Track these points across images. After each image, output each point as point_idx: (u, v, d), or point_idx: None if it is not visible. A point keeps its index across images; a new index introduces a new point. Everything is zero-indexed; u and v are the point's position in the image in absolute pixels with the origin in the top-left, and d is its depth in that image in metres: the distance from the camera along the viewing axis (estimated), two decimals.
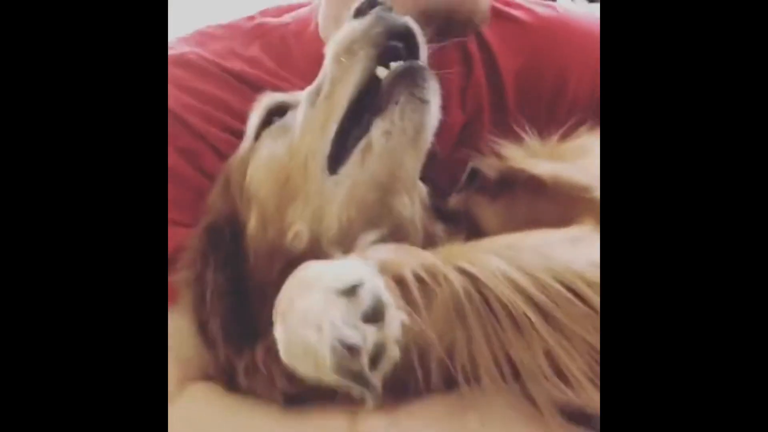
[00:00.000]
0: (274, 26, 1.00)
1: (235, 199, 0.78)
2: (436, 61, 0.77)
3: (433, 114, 0.72)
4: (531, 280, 0.57)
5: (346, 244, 0.68)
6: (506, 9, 1.01)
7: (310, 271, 0.58)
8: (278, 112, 0.80)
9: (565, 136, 0.83)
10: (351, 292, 0.54)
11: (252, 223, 0.75)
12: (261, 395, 0.66)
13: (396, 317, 0.54)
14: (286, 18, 1.02)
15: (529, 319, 0.56)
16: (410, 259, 0.60)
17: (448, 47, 0.89)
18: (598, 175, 0.69)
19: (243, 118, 0.84)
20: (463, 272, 0.58)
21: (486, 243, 0.64)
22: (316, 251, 0.69)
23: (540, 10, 1.01)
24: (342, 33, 0.75)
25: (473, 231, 0.77)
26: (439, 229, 0.79)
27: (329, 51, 0.76)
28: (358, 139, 0.71)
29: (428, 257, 0.61)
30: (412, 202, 0.73)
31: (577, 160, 0.77)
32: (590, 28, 1.01)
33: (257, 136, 0.80)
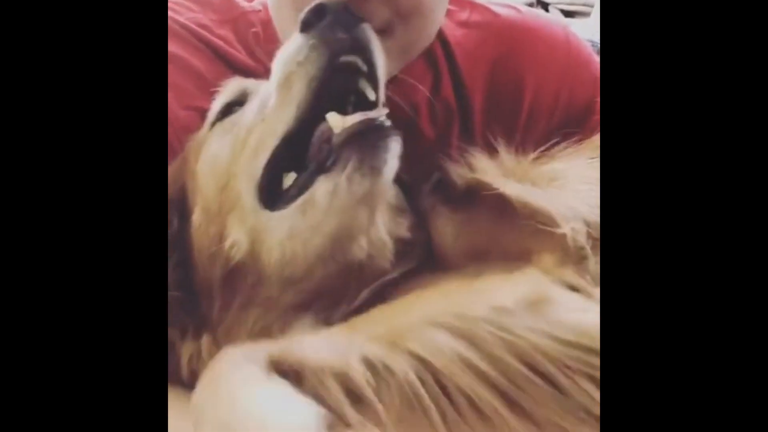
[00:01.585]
0: (245, 11, 0.93)
1: (187, 182, 0.75)
2: (404, 72, 0.74)
3: (387, 176, 0.67)
4: (490, 363, 0.52)
5: (288, 276, 0.65)
6: (469, 16, 0.96)
7: (240, 409, 0.49)
8: (239, 101, 0.76)
9: (540, 156, 0.79)
10: None
11: (196, 215, 0.72)
12: None
13: None
14: (257, 4, 0.95)
15: (496, 409, 0.51)
16: (352, 355, 0.52)
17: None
18: (569, 206, 0.68)
19: (211, 97, 0.80)
20: (416, 357, 0.52)
21: (430, 309, 0.57)
22: (255, 267, 0.66)
23: (503, 12, 0.97)
24: (282, 57, 0.70)
25: (426, 244, 0.74)
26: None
27: (273, 69, 0.71)
28: (300, 189, 0.66)
29: (372, 347, 0.53)
30: (371, 239, 0.69)
31: (551, 183, 0.74)
32: (553, 32, 0.97)
33: (213, 124, 0.76)
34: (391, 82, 0.78)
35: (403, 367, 0.51)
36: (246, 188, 0.68)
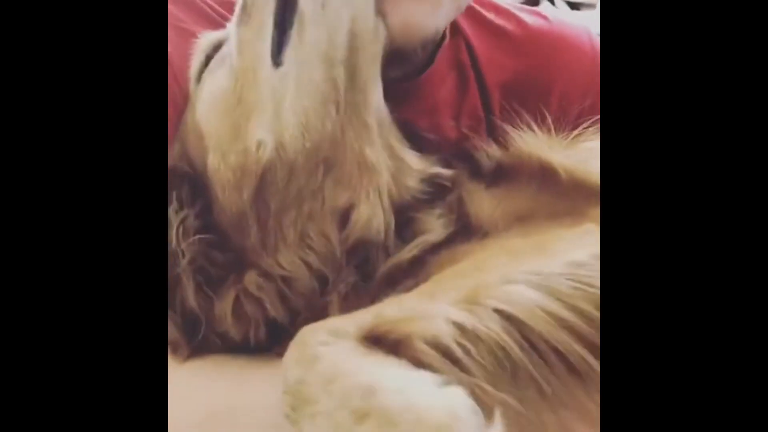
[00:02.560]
0: None
1: (189, 147, 0.74)
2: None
3: None
4: (574, 313, 0.52)
5: (309, 147, 0.67)
6: (495, 20, 0.94)
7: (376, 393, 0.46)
8: (214, 51, 0.75)
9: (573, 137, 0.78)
10: None
11: (210, 160, 0.71)
12: (239, 337, 0.66)
13: None
14: None
15: (583, 358, 0.51)
16: (439, 319, 0.51)
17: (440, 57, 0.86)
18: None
19: None
20: (500, 313, 0.51)
21: (504, 268, 0.56)
22: (283, 159, 0.67)
23: (530, 20, 0.95)
24: None
25: (463, 219, 0.72)
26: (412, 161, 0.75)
27: None
28: (293, 21, 0.68)
29: (456, 309, 0.52)
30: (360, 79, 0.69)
31: (588, 161, 0.72)
32: (580, 40, 0.96)
33: (199, 79, 0.76)
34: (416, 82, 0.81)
35: (491, 325, 0.50)
36: (262, 68, 0.69)
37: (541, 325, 0.50)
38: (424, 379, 0.47)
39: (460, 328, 0.50)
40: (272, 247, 0.69)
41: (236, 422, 0.61)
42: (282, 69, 0.69)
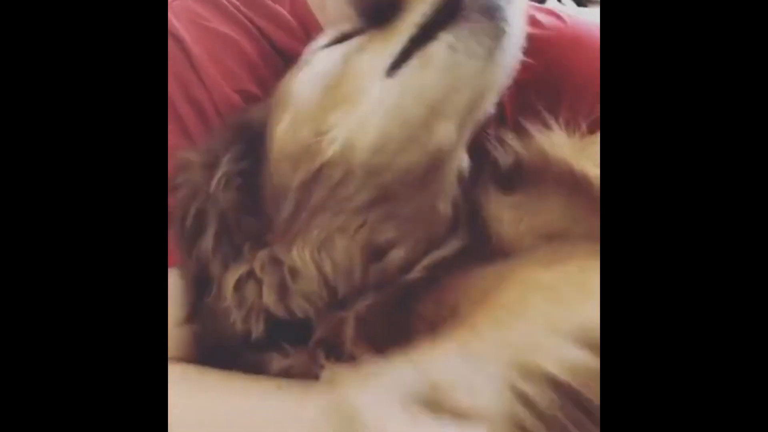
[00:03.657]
0: None
1: (270, 106, 0.72)
2: None
3: (508, 51, 0.63)
4: None
5: (375, 165, 0.63)
6: None
7: None
8: (343, 39, 0.71)
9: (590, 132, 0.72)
10: None
11: (283, 125, 0.69)
12: (240, 323, 0.65)
13: None
14: None
15: None
16: (497, 385, 0.46)
17: None
18: None
19: (260, 80, 0.79)
20: (553, 381, 0.47)
21: (545, 316, 0.51)
22: (345, 162, 0.64)
23: (546, 20, 0.91)
24: None
25: (479, 231, 0.67)
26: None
27: None
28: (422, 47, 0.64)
29: (511, 373, 0.47)
30: (457, 136, 0.65)
31: None
32: (592, 38, 0.91)
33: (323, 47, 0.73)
34: None
35: (547, 395, 0.46)
36: (374, 68, 0.65)
37: (595, 391, 0.45)
38: None
39: (521, 397, 0.45)
40: (292, 236, 0.66)
41: None
42: (390, 82, 0.64)
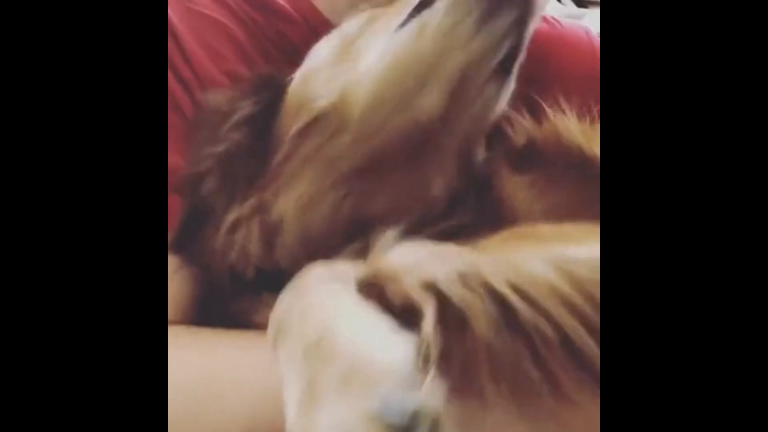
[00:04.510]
0: None
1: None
2: None
3: (504, 19, 0.61)
4: (587, 302, 0.46)
5: (366, 124, 0.63)
6: None
7: (340, 343, 0.44)
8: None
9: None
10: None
11: (296, 79, 0.71)
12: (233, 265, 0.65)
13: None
14: None
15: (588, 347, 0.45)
16: (448, 270, 0.47)
17: None
18: None
19: (250, 63, 0.80)
20: (512, 285, 0.46)
21: (525, 249, 0.51)
22: (338, 116, 0.65)
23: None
24: None
25: (489, 206, 0.66)
26: None
27: None
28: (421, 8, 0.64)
29: (469, 266, 0.48)
30: (446, 105, 0.63)
31: None
32: (581, 40, 0.95)
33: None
34: None
35: (497, 286, 0.46)
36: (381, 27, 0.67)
37: (548, 302, 0.45)
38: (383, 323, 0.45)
39: (463, 278, 0.46)
40: (280, 185, 0.67)
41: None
42: (389, 44, 0.65)
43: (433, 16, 0.62)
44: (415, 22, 0.63)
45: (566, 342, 0.45)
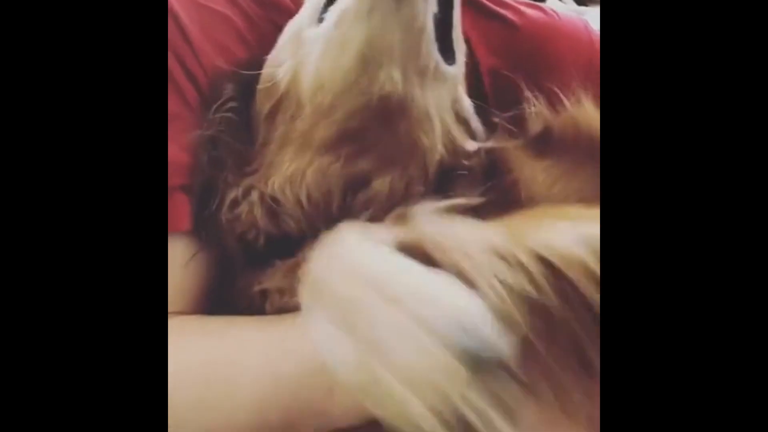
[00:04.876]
0: None
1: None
2: None
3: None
4: None
5: (320, 103, 0.63)
6: (493, 7, 0.93)
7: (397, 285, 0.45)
8: None
9: None
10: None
11: (269, 59, 0.72)
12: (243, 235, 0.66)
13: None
14: None
15: None
16: (483, 244, 0.48)
17: None
18: None
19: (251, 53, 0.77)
20: (541, 258, 0.47)
21: (560, 222, 0.52)
22: (295, 95, 0.65)
23: (529, 12, 0.94)
24: None
25: (509, 189, 0.66)
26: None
27: None
28: None
29: (498, 239, 0.49)
30: (404, 81, 0.62)
31: None
32: (579, 32, 0.95)
33: None
34: None
35: (529, 262, 0.46)
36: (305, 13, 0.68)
37: (579, 279, 0.46)
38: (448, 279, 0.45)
39: (498, 253, 0.47)
40: (267, 167, 0.68)
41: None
42: (323, 26, 0.64)
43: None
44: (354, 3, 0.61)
45: (595, 319, 0.46)
